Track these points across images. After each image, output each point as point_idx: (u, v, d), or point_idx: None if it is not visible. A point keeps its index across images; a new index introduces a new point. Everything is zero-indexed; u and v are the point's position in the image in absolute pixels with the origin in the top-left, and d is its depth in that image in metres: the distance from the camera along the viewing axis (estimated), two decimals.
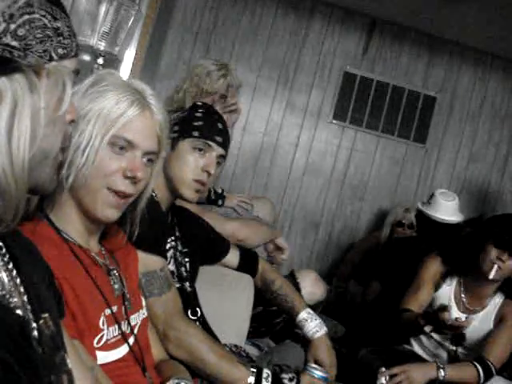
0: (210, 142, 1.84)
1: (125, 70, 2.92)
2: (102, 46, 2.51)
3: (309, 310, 2.10)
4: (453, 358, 2.55)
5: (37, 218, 1.17)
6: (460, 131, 4.56)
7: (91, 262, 1.29)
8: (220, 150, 1.87)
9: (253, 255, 2.32)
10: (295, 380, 1.73)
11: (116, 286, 1.33)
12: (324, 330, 2.06)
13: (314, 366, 1.86)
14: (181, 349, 1.65)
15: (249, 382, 1.64)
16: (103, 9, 2.46)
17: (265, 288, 2.25)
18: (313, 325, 2.05)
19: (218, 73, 3.04)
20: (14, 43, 0.71)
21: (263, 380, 1.65)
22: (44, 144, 0.76)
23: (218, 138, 1.86)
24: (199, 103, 1.96)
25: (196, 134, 1.84)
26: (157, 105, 1.32)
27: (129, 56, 2.90)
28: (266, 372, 1.68)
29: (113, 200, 1.26)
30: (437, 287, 2.64)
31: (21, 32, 0.71)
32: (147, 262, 1.63)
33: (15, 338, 0.67)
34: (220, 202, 2.97)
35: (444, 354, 2.60)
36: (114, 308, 1.29)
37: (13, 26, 0.70)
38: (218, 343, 1.81)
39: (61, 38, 0.77)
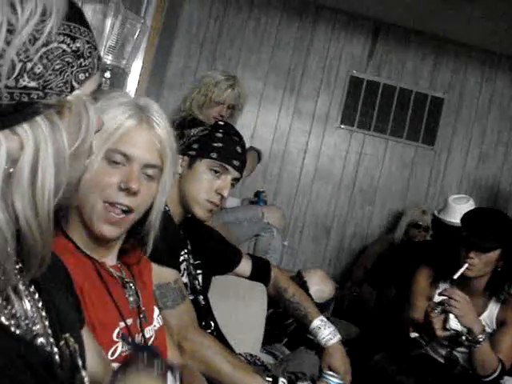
0: (227, 166, 1.85)
1: (132, 82, 2.94)
2: (108, 59, 2.52)
3: (322, 317, 2.10)
4: (451, 360, 2.53)
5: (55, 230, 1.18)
6: (469, 132, 4.54)
7: (106, 275, 1.29)
8: (236, 174, 1.87)
9: (265, 264, 2.32)
10: None
11: (131, 299, 1.33)
12: (338, 337, 2.06)
13: (330, 373, 1.85)
14: (196, 360, 1.66)
15: None
16: (109, 23, 2.47)
17: (277, 296, 2.25)
18: (326, 332, 2.05)
19: (226, 83, 3.06)
20: (32, 84, 0.64)
21: None
22: (70, 178, 0.72)
23: (236, 162, 1.86)
24: (221, 123, 1.95)
25: (214, 155, 1.84)
26: (159, 119, 1.30)
27: (136, 68, 2.92)
28: (281, 381, 1.68)
29: (109, 215, 1.24)
30: (430, 298, 2.60)
31: (38, 69, 0.64)
32: (161, 274, 1.64)
33: (40, 378, 0.66)
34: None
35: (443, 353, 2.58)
36: (129, 321, 1.30)
37: (29, 65, 0.63)
38: (233, 353, 1.82)
39: (81, 59, 0.70)
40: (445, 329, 2.33)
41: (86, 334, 0.97)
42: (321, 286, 2.53)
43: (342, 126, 4.42)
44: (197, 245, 2.01)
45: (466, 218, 2.51)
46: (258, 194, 3.67)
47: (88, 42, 0.71)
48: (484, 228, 2.39)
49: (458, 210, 3.20)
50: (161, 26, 3.16)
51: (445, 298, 2.31)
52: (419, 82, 4.49)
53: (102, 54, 2.56)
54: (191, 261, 1.96)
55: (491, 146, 4.56)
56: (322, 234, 4.46)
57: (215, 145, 1.85)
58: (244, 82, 3.28)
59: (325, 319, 2.10)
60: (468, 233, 2.39)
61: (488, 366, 2.33)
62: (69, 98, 0.69)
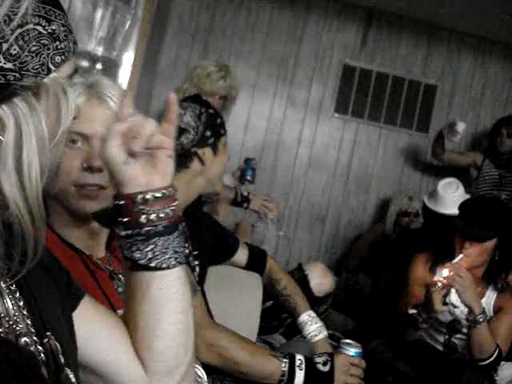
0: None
1: (124, 73, 2.92)
2: (99, 51, 2.51)
3: (311, 312, 2.10)
4: (449, 347, 2.54)
5: None
6: (462, 119, 4.50)
7: (94, 267, 1.28)
8: None
9: (261, 253, 2.32)
10: (329, 363, 1.69)
11: (120, 290, 1.33)
12: (323, 334, 2.06)
13: (347, 341, 1.77)
14: (212, 353, 1.66)
15: (283, 370, 1.66)
16: (99, 14, 2.46)
17: (270, 287, 2.25)
18: (312, 328, 2.05)
19: (218, 74, 3.03)
20: (8, 65, 0.64)
21: (296, 368, 1.66)
22: (51, 161, 0.72)
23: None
24: (202, 99, 1.94)
25: (222, 131, 1.88)
26: (111, 93, 1.28)
27: (127, 60, 2.90)
28: (298, 359, 1.68)
29: (84, 191, 1.23)
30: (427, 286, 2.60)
31: (14, 50, 0.64)
32: None
33: (24, 379, 0.65)
34: (245, 205, 3.08)
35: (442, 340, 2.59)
36: (120, 311, 1.29)
37: (5, 46, 0.63)
38: (247, 340, 1.81)
39: (57, 42, 0.69)
40: (444, 304, 2.33)
41: (91, 304, 0.95)
42: (321, 280, 2.53)
43: (336, 115, 4.42)
44: (194, 234, 1.99)
45: (462, 207, 2.51)
46: (247, 161, 3.50)
47: (63, 25, 0.71)
48: (479, 218, 2.39)
49: (448, 199, 3.20)
50: (152, 17, 3.14)
51: (449, 273, 2.30)
52: (412, 70, 4.48)
53: (92, 45, 2.54)
54: (190, 249, 1.94)
55: (484, 132, 4.55)
56: (317, 222, 4.46)
57: (218, 121, 1.87)
58: (237, 72, 3.25)
59: (313, 314, 2.10)
60: (463, 223, 2.39)
61: (485, 349, 2.34)
62: (45, 80, 0.69)
